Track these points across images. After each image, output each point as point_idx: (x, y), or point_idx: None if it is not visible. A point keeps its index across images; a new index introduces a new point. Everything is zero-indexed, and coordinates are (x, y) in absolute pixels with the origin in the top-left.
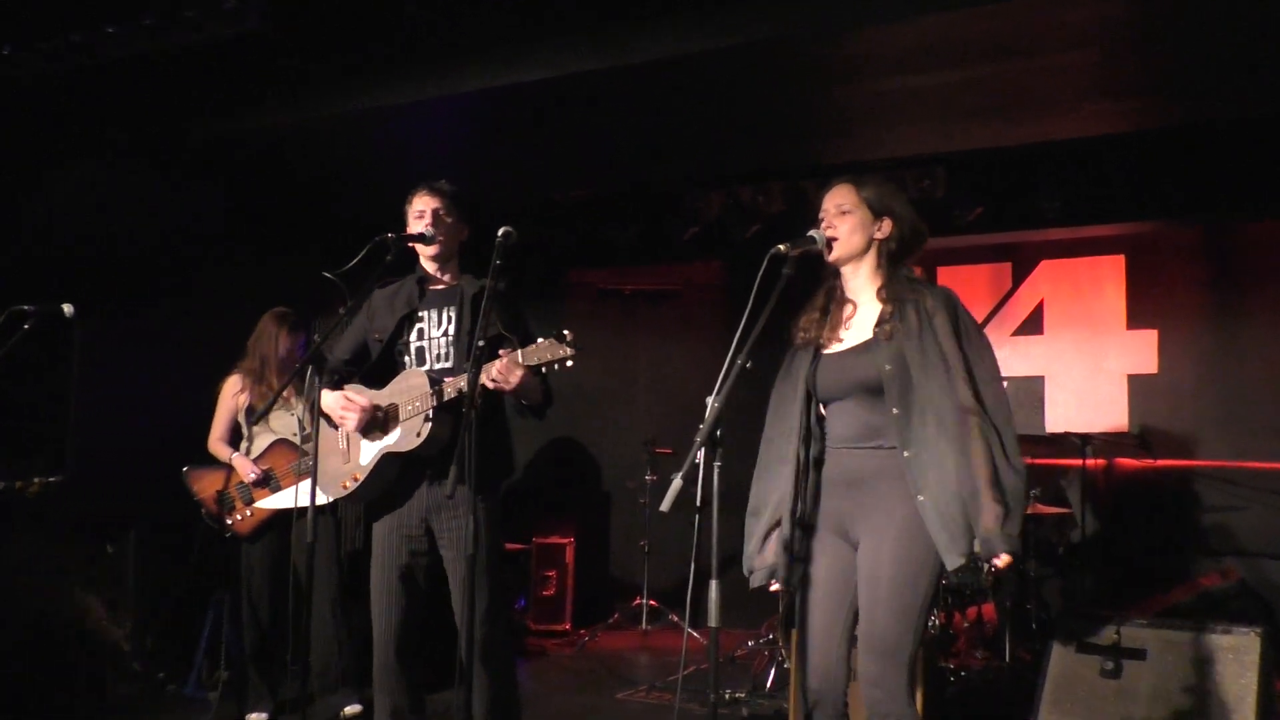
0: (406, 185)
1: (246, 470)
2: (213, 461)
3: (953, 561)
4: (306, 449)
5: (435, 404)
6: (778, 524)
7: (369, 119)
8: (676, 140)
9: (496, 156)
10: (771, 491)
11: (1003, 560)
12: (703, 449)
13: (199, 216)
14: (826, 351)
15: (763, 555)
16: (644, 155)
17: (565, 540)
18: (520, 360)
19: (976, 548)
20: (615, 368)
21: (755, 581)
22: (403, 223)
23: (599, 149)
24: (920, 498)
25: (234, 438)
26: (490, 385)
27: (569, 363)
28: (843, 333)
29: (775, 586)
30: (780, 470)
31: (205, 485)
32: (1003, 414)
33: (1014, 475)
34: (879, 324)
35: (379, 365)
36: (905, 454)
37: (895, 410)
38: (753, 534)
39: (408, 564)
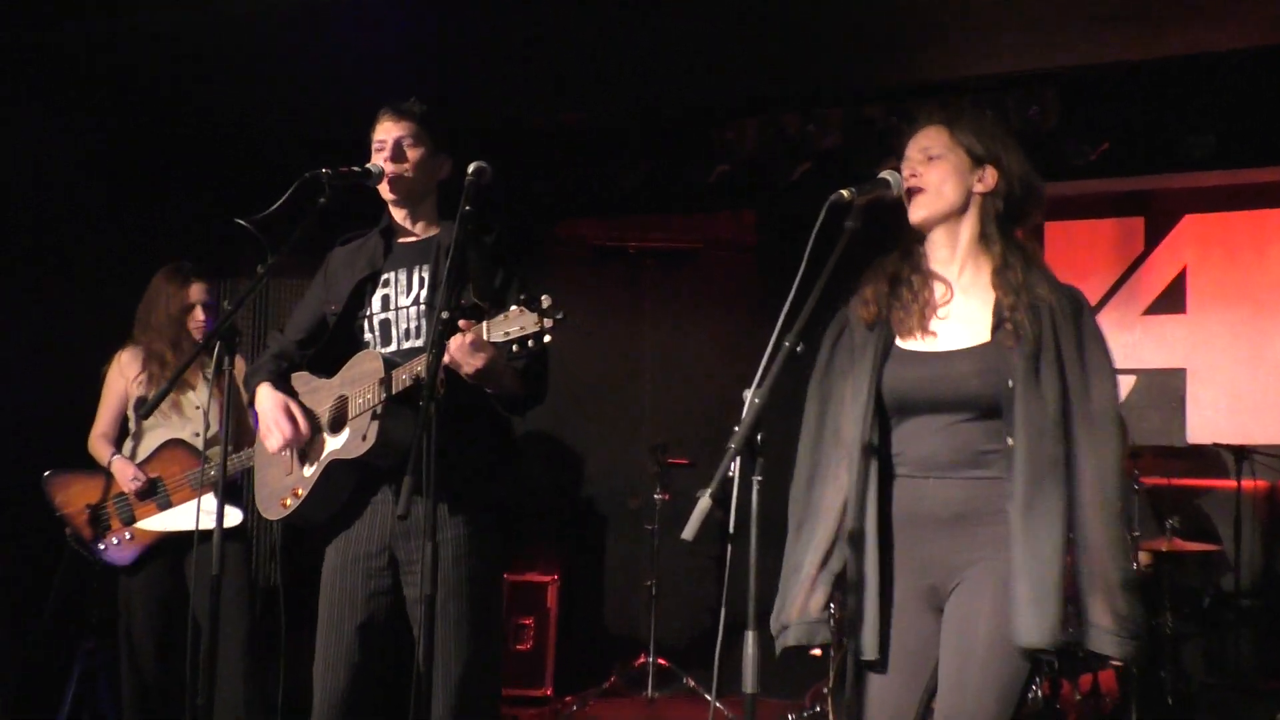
0: (341, 107)
1: (127, 475)
2: (89, 465)
3: (1031, 640)
4: (212, 455)
5: (384, 397)
6: (824, 565)
7: (288, 15)
8: (699, 48)
9: (459, 69)
10: (819, 528)
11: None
12: (738, 459)
13: (62, 152)
14: (906, 345)
15: (804, 605)
16: (655, 68)
17: (547, 578)
18: (485, 334)
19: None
20: (614, 350)
21: (786, 640)
22: (342, 159)
23: (596, 60)
24: (1016, 556)
25: (122, 435)
26: (449, 364)
27: (545, 337)
28: (935, 322)
29: (816, 651)
30: (831, 498)
31: (73, 497)
32: (1114, 474)
33: (1120, 538)
34: (999, 325)
35: (335, 345)
36: (1013, 497)
37: (1010, 440)
38: (792, 577)
39: (367, 607)
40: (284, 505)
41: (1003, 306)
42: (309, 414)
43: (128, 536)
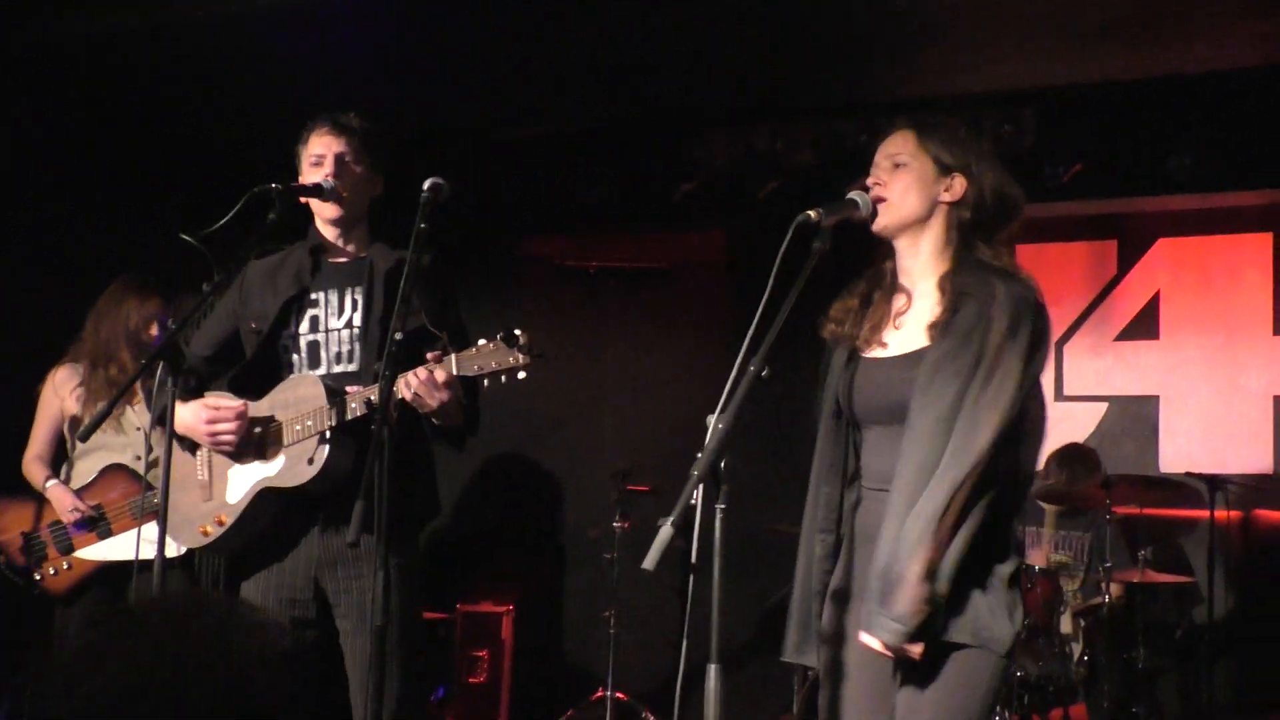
0: (292, 118)
1: (66, 506)
2: (22, 488)
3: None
4: (153, 479)
5: (334, 422)
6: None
7: (235, 22)
8: (669, 58)
9: (415, 77)
10: (805, 548)
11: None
12: (701, 486)
13: None
14: (868, 355)
15: (807, 622)
16: (622, 78)
17: (501, 608)
18: (454, 368)
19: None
20: (575, 373)
21: (789, 655)
22: (293, 171)
23: (560, 70)
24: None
25: (58, 456)
26: (408, 398)
27: (520, 374)
28: (888, 333)
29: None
30: (814, 514)
31: (7, 524)
32: (960, 465)
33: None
34: (932, 327)
35: (256, 365)
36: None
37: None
38: (795, 600)
39: (291, 639)
40: (204, 533)
41: (942, 311)
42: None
43: (65, 566)
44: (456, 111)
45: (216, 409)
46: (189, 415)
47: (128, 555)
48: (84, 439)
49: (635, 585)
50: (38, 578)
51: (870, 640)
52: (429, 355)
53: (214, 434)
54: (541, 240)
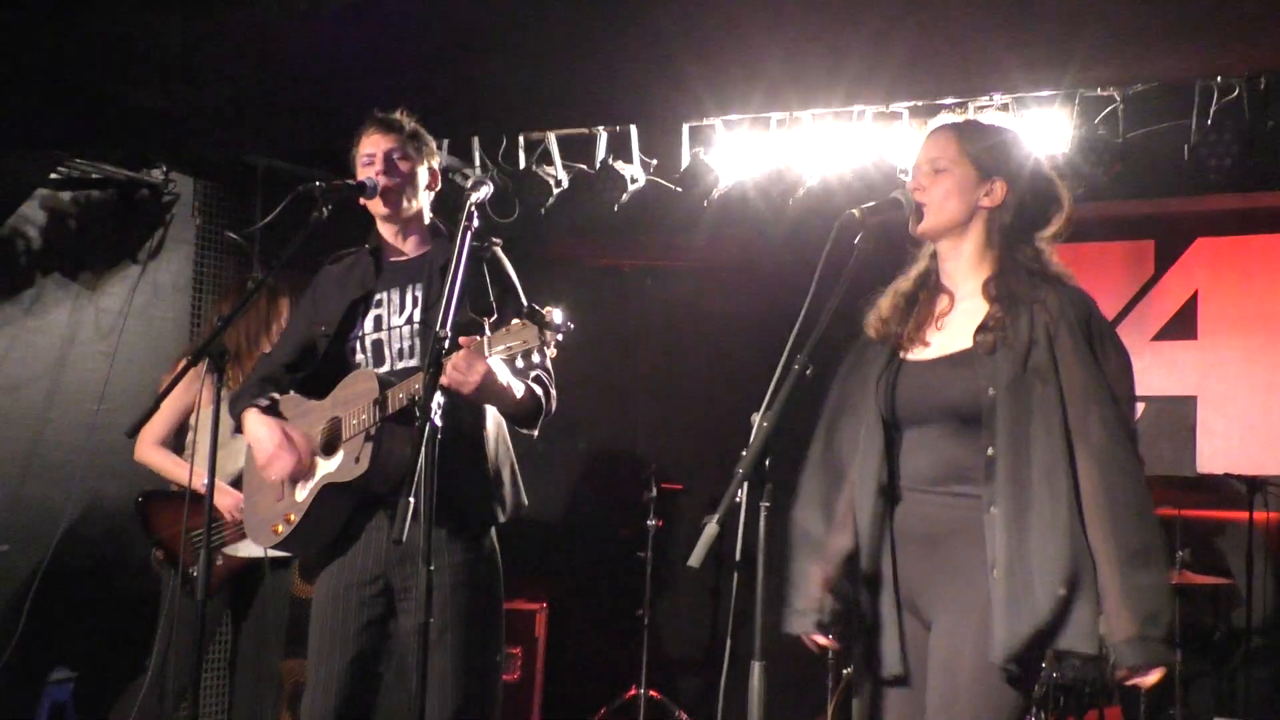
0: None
1: (230, 505)
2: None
3: (1000, 655)
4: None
5: (379, 418)
6: (831, 555)
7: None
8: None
9: (452, 68)
10: (824, 518)
11: (1152, 676)
12: (745, 485)
13: None
14: (910, 357)
15: (807, 591)
16: (649, 75)
17: (535, 606)
18: (484, 348)
19: (1071, 645)
20: (606, 370)
21: (793, 627)
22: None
23: (588, 71)
24: (995, 573)
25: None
26: (448, 385)
27: (549, 349)
28: (932, 334)
29: (821, 639)
30: (838, 504)
31: (165, 521)
32: (1129, 466)
33: (1152, 550)
34: (981, 330)
35: (326, 367)
36: (990, 510)
37: (991, 450)
38: (794, 564)
39: (359, 639)
40: (275, 532)
41: (990, 314)
42: (305, 438)
43: (218, 562)
44: (497, 113)
45: (285, 441)
46: (263, 433)
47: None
48: (131, 435)
49: (668, 583)
50: (194, 573)
51: (1143, 677)
52: (461, 340)
53: (271, 462)
54: (574, 240)
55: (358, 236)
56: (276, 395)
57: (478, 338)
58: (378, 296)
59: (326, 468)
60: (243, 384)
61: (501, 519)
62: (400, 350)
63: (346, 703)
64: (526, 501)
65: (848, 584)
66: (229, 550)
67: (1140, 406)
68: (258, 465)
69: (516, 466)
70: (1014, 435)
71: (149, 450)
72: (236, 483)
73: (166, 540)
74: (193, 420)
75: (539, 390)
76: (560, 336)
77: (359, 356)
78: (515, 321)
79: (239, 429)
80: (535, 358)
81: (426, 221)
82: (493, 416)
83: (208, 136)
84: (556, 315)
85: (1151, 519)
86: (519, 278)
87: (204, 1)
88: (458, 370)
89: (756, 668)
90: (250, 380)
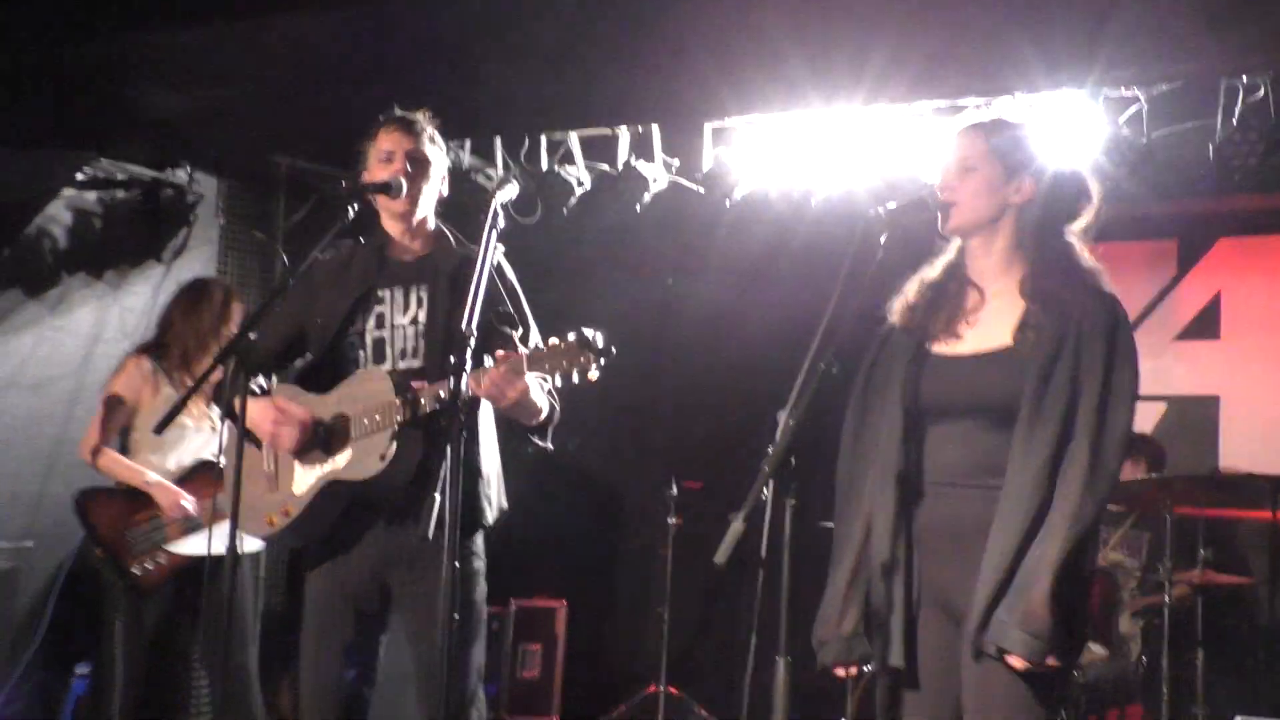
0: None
1: (173, 501)
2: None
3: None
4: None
5: (408, 417)
6: (853, 582)
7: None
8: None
9: (475, 69)
10: (847, 543)
11: (1017, 663)
12: (771, 482)
13: None
14: (939, 350)
15: (839, 621)
16: (671, 75)
17: (555, 603)
18: (525, 365)
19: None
20: (626, 368)
21: (825, 658)
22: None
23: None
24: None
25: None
26: (479, 394)
27: (592, 373)
28: (964, 328)
29: (845, 670)
30: (860, 512)
31: (109, 518)
32: (1100, 492)
33: (1076, 574)
34: (1022, 327)
35: (324, 361)
36: (1001, 499)
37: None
38: (828, 593)
39: (355, 641)
40: (270, 523)
41: (1029, 313)
42: (305, 410)
43: (161, 560)
44: (521, 114)
45: (284, 412)
46: (256, 412)
47: (215, 550)
48: (159, 432)
49: (688, 581)
50: (137, 573)
51: (1013, 661)
52: (498, 354)
53: (275, 435)
54: (594, 242)
55: (365, 233)
56: (264, 385)
57: (514, 354)
58: (380, 293)
59: (332, 464)
60: (227, 373)
61: (489, 520)
62: (403, 350)
63: (344, 705)
64: (506, 505)
65: (874, 604)
66: (171, 547)
67: (1163, 406)
68: (264, 444)
69: (500, 469)
70: (1029, 433)
71: (105, 459)
72: (181, 480)
73: (107, 538)
74: (135, 420)
75: (555, 403)
76: (603, 361)
77: (360, 353)
78: (556, 342)
79: (227, 417)
80: (576, 379)
81: (432, 225)
82: (484, 416)
83: (232, 137)
84: (599, 339)
85: (1093, 548)
86: (541, 278)
87: (227, 5)
88: (495, 385)
89: (781, 664)
90: (234, 369)
